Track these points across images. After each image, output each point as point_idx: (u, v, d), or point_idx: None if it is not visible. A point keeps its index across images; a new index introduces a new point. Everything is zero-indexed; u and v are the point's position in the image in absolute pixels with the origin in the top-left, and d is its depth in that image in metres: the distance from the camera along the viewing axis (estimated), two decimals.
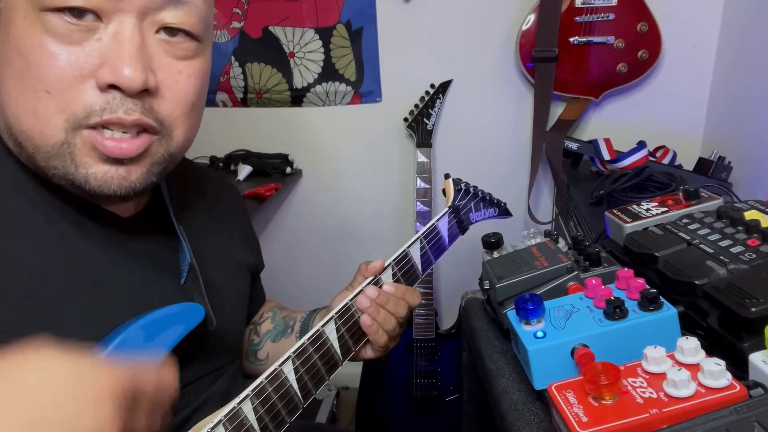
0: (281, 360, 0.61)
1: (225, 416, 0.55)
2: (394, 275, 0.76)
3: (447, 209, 0.87)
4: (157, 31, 0.54)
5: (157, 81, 0.54)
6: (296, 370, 0.62)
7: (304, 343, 0.64)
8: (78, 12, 0.49)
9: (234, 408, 0.56)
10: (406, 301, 0.75)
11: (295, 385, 0.61)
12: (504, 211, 1.00)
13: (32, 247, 0.55)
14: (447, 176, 0.94)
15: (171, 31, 0.55)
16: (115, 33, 0.51)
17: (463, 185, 0.93)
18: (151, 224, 0.66)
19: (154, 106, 0.55)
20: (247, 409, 0.57)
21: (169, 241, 0.68)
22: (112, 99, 0.52)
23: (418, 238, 0.80)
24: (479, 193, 0.94)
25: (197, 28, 0.56)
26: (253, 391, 0.58)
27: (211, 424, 0.54)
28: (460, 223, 0.89)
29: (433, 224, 0.83)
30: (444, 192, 0.93)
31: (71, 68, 0.50)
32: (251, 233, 0.89)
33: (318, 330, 0.66)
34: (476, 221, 0.94)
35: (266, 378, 0.59)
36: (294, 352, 0.63)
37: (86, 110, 0.52)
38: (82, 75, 0.51)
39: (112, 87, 0.52)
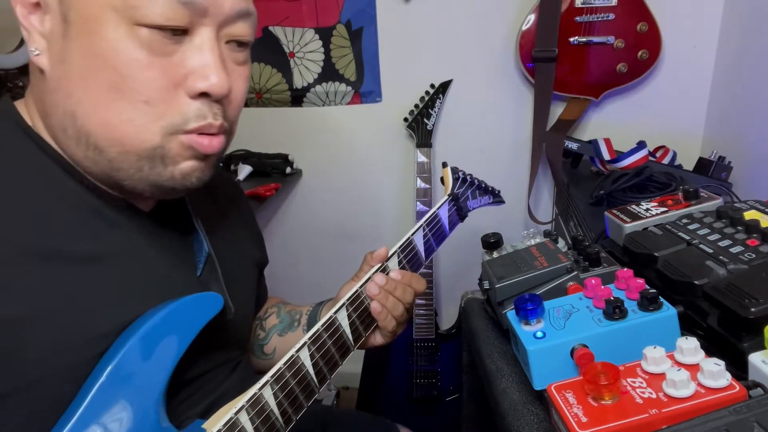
0: (297, 346, 0.63)
1: (247, 401, 0.57)
2: (399, 262, 0.79)
3: (447, 197, 0.89)
4: (227, 41, 0.58)
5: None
6: (312, 356, 0.64)
7: (318, 330, 0.66)
8: (172, 28, 0.53)
9: (255, 393, 0.58)
10: (413, 287, 0.78)
11: (311, 371, 0.64)
12: (498, 198, 1.04)
13: (67, 239, 0.56)
14: (445, 165, 0.96)
15: (237, 41, 0.59)
16: (199, 45, 0.55)
17: (460, 173, 0.95)
18: (168, 218, 0.68)
19: (226, 110, 0.60)
20: (268, 395, 0.59)
21: (184, 235, 0.70)
22: (202, 105, 0.57)
23: (421, 225, 0.82)
24: (475, 181, 0.98)
25: (252, 36, 0.61)
26: (272, 377, 0.60)
27: (235, 410, 0.56)
28: (459, 211, 0.91)
29: (435, 212, 0.85)
30: (442, 180, 0.96)
31: (165, 79, 0.54)
32: (256, 228, 0.91)
33: (331, 317, 0.68)
34: (473, 208, 0.96)
35: (284, 364, 0.61)
36: (309, 339, 0.65)
37: (182, 117, 0.56)
38: (174, 84, 0.55)
39: (201, 94, 0.56)
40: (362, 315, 0.73)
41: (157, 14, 0.51)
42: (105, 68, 0.52)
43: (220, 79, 0.56)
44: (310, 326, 0.84)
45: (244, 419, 0.56)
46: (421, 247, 0.82)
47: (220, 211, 0.79)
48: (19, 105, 0.60)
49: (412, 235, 0.81)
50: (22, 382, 0.51)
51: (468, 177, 0.96)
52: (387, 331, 0.76)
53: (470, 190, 0.95)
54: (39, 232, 0.54)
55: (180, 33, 0.54)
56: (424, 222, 0.83)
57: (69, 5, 0.52)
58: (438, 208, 0.86)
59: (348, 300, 0.71)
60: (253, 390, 0.58)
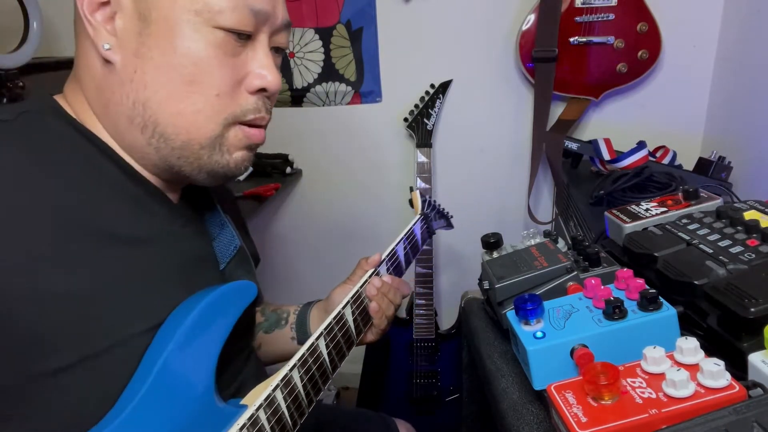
0: (316, 335, 0.70)
1: (281, 380, 0.62)
2: (387, 269, 0.87)
3: (419, 216, 1.01)
4: (271, 48, 0.66)
5: None
6: (327, 345, 0.71)
7: (330, 323, 0.73)
8: (242, 32, 0.61)
9: (287, 374, 0.64)
10: (401, 290, 0.88)
11: (327, 358, 0.71)
12: (449, 224, 1.17)
13: (114, 221, 0.59)
14: (412, 189, 1.10)
15: (278, 47, 0.68)
16: (258, 49, 0.64)
17: (426, 197, 1.08)
18: (189, 213, 0.72)
19: (271, 106, 0.68)
20: (296, 376, 0.65)
21: (203, 226, 0.74)
22: (258, 99, 0.65)
23: (401, 239, 0.92)
24: (437, 206, 1.11)
25: (288, 45, 0.70)
26: (299, 360, 0.66)
27: (271, 387, 0.61)
28: (428, 229, 1.04)
29: (411, 228, 0.97)
30: (411, 204, 1.08)
31: (233, 76, 0.62)
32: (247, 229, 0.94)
33: (340, 312, 0.75)
34: (436, 229, 1.09)
35: (307, 350, 0.68)
36: (325, 329, 0.71)
37: (241, 109, 0.64)
38: (238, 81, 0.63)
39: (258, 90, 0.64)
40: (362, 313, 0.80)
41: (232, 19, 0.59)
42: (185, 64, 0.59)
43: (274, 78, 0.64)
44: (299, 325, 0.89)
45: (279, 397, 0.62)
46: (402, 258, 0.92)
47: (226, 208, 0.83)
48: (59, 99, 0.64)
49: (396, 246, 0.90)
50: (90, 352, 0.54)
51: (432, 201, 1.09)
52: (379, 330, 0.84)
53: (433, 213, 1.08)
54: (91, 214, 0.57)
55: (245, 38, 0.62)
56: (404, 236, 0.93)
57: (149, 6, 0.58)
58: (413, 225, 0.98)
59: (351, 298, 0.78)
60: (285, 371, 0.63)
